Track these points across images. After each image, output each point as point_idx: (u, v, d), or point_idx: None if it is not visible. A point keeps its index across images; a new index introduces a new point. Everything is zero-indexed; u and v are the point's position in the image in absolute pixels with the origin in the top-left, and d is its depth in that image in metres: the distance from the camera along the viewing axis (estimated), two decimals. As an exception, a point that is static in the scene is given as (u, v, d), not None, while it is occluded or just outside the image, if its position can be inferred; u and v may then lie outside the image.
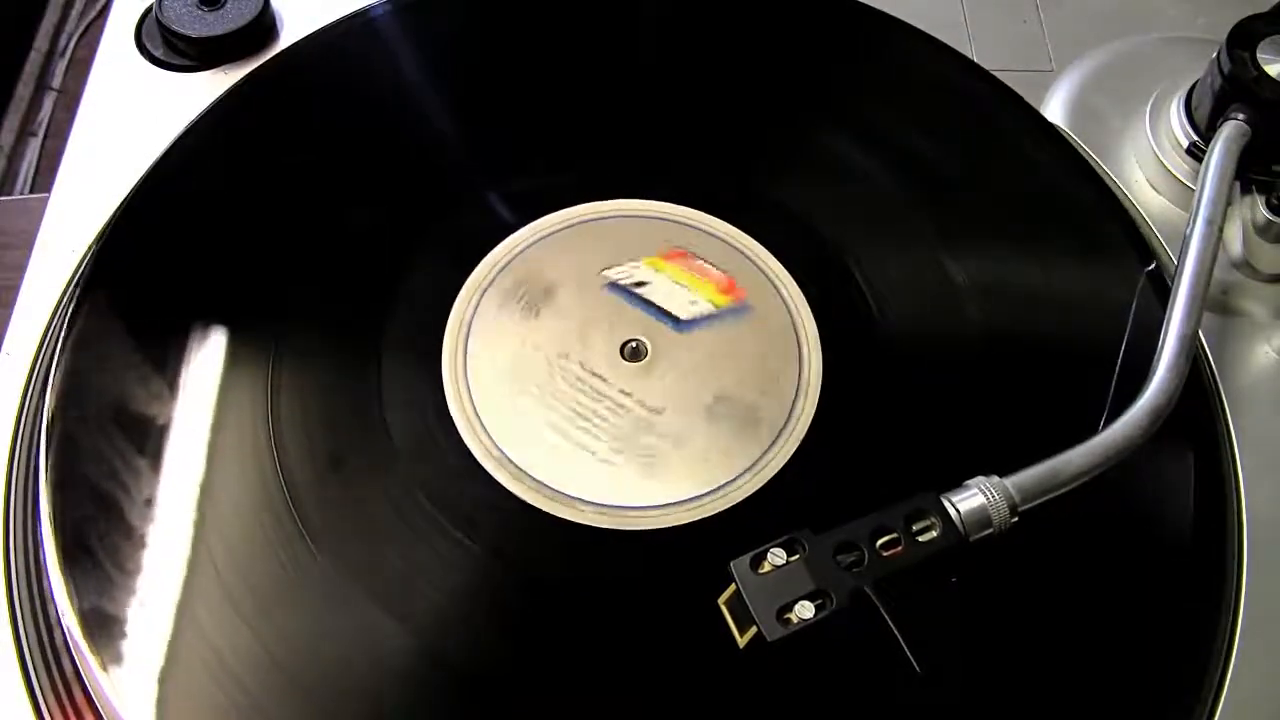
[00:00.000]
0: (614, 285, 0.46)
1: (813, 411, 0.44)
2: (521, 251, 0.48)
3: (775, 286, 0.47)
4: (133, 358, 0.44)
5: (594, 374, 0.45)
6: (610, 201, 0.49)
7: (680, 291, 0.46)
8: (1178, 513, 0.43)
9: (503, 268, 0.47)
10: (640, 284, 0.46)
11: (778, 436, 0.44)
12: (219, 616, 0.39)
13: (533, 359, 0.45)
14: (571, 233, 0.49)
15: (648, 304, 0.46)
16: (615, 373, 0.45)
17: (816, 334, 0.46)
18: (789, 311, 0.47)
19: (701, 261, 0.47)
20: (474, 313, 0.46)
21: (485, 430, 0.43)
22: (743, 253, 0.48)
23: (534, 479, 0.42)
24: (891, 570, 0.35)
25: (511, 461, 0.43)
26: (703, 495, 0.42)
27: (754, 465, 0.43)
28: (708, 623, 0.36)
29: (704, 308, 0.46)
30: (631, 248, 0.48)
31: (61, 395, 0.43)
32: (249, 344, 0.45)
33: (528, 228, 0.48)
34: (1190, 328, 0.42)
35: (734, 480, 0.43)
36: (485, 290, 0.47)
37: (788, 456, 0.43)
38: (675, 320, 0.46)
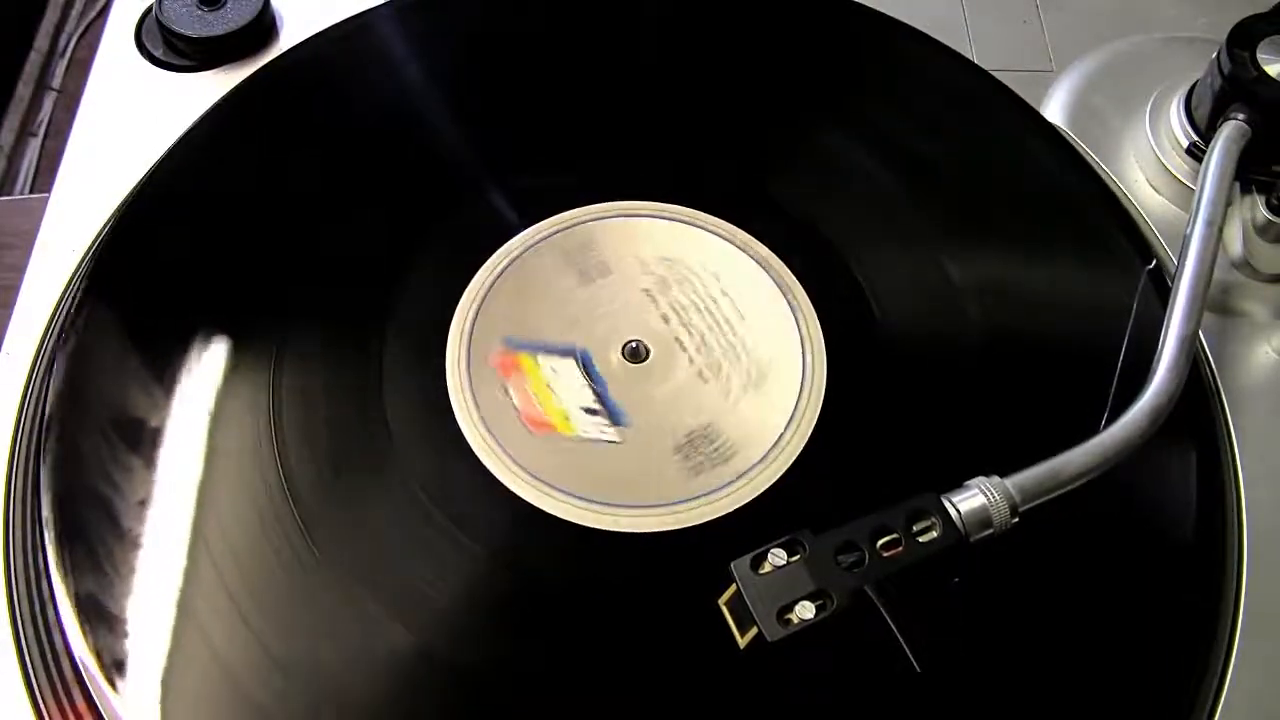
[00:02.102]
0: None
1: (815, 412, 0.44)
2: (525, 250, 0.48)
3: (777, 286, 0.47)
4: (133, 358, 0.44)
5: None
6: (614, 202, 0.50)
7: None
8: (1178, 512, 0.43)
9: (505, 267, 0.47)
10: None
11: (779, 437, 0.44)
12: (219, 617, 0.39)
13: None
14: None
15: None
16: (611, 368, 0.45)
17: (820, 334, 0.46)
18: (791, 311, 0.47)
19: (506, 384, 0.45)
20: (477, 315, 0.46)
21: (487, 430, 0.43)
22: (744, 251, 0.48)
23: (536, 479, 0.42)
24: (892, 570, 0.35)
25: (514, 461, 0.43)
26: (704, 495, 0.42)
27: (755, 465, 0.43)
28: (709, 623, 0.36)
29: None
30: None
31: (62, 395, 0.43)
32: (250, 344, 0.45)
33: (530, 229, 0.48)
34: (1190, 328, 0.42)
35: (735, 480, 0.43)
36: (488, 292, 0.47)
37: (791, 458, 0.43)
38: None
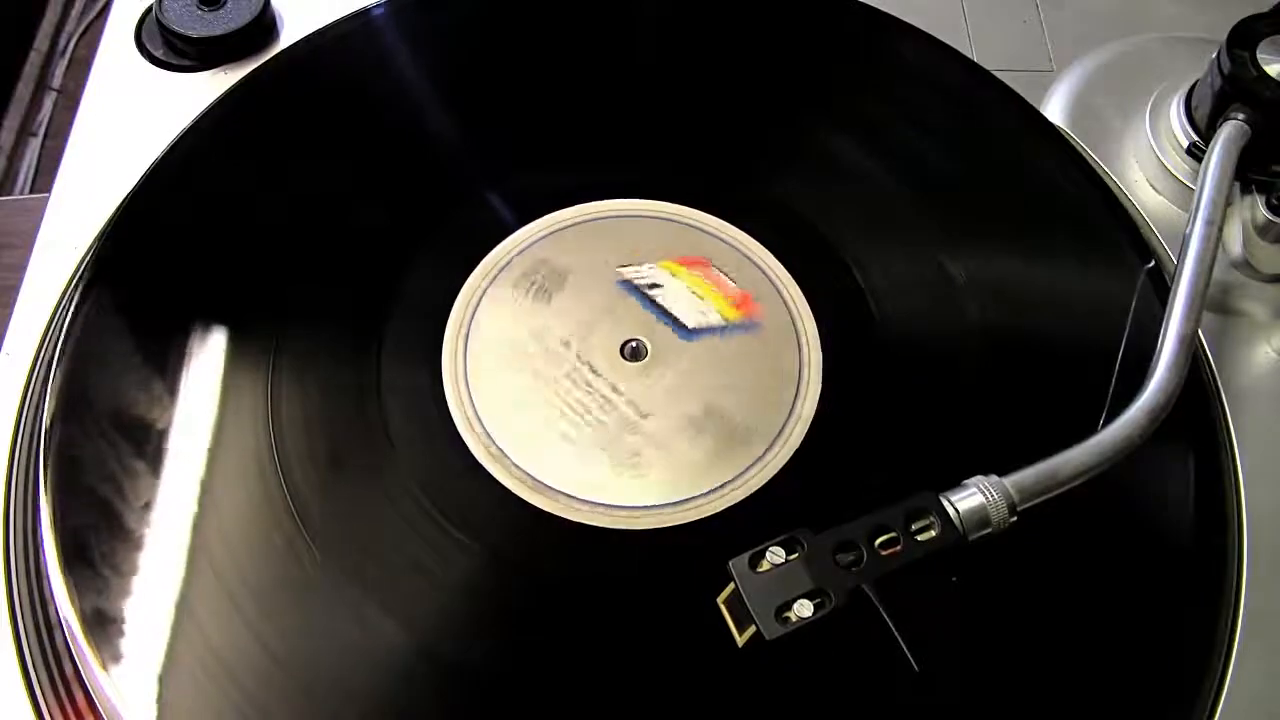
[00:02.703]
0: (627, 283, 0.46)
1: (813, 411, 0.44)
2: (524, 249, 0.48)
3: (775, 286, 0.47)
4: (133, 357, 0.44)
5: (591, 369, 0.45)
6: (611, 201, 0.50)
7: (693, 300, 0.46)
8: (1178, 513, 0.43)
9: (505, 265, 0.47)
10: (654, 286, 0.46)
11: (778, 437, 0.44)
12: (219, 617, 0.39)
13: (534, 343, 0.45)
14: (572, 232, 0.49)
15: (658, 307, 0.46)
16: (613, 371, 0.45)
17: (816, 333, 0.46)
18: (789, 311, 0.47)
19: (719, 273, 0.47)
20: (474, 312, 0.46)
21: (485, 429, 0.43)
22: (742, 252, 0.48)
23: (534, 478, 0.42)
24: (890, 569, 0.35)
25: (511, 461, 0.43)
26: (703, 494, 0.42)
27: (754, 464, 0.43)
28: (707, 621, 0.36)
29: (714, 319, 0.46)
30: (635, 247, 0.48)
31: (61, 395, 0.43)
32: (249, 343, 0.45)
33: (527, 227, 0.48)
34: (1190, 327, 0.42)
35: (734, 479, 0.43)
36: (485, 290, 0.47)
37: (788, 456, 0.43)
38: (682, 328, 0.46)
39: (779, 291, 0.47)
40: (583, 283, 0.47)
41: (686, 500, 0.42)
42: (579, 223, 0.49)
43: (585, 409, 0.44)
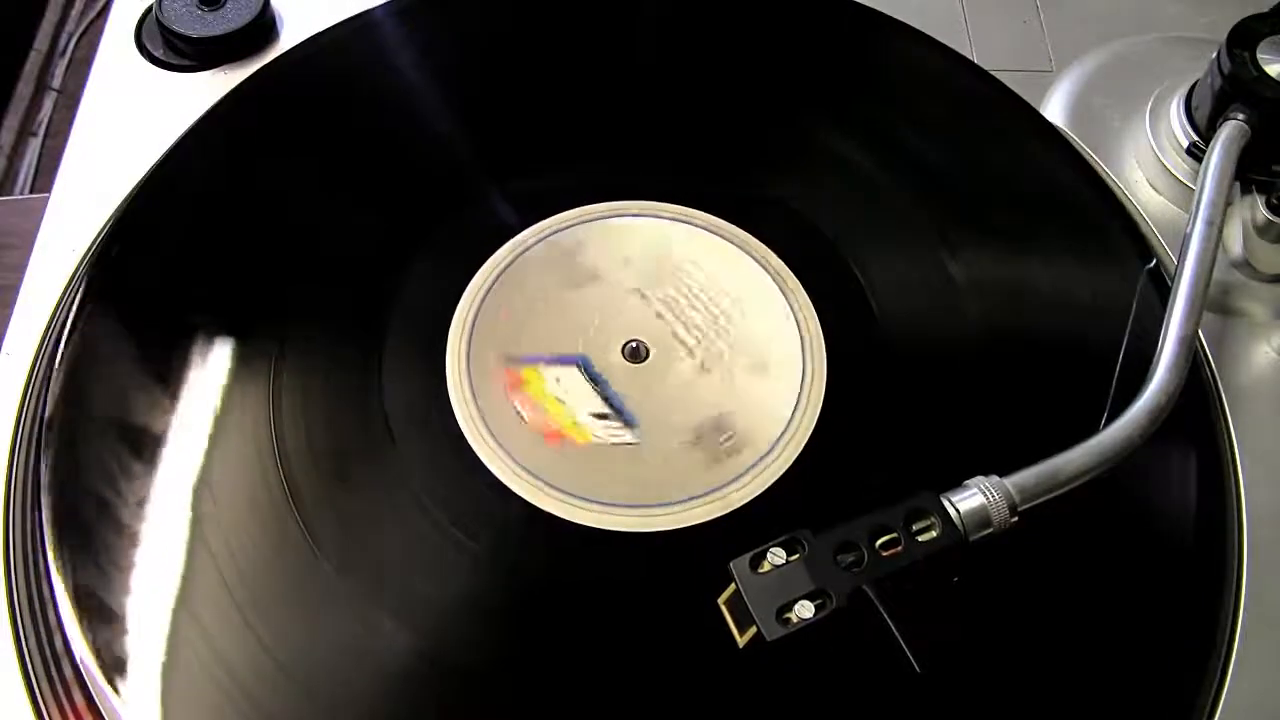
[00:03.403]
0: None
1: (816, 411, 0.44)
2: (525, 249, 0.48)
3: (778, 285, 0.47)
4: (133, 358, 0.44)
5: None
6: (613, 202, 0.50)
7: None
8: (1178, 513, 0.43)
9: (504, 269, 0.47)
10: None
11: (780, 437, 0.44)
12: (220, 617, 0.39)
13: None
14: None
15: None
16: (614, 369, 0.45)
17: (820, 333, 0.46)
18: (791, 310, 0.47)
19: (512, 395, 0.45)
20: (477, 315, 0.46)
21: (488, 430, 0.43)
22: (745, 251, 0.48)
23: (537, 479, 0.42)
24: (891, 570, 0.35)
25: (515, 461, 0.43)
26: (705, 495, 0.42)
27: (755, 465, 0.43)
28: (708, 622, 0.36)
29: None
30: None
31: (62, 395, 0.43)
32: (250, 344, 0.45)
33: (530, 229, 0.48)
34: (1190, 328, 0.42)
35: (735, 480, 0.43)
36: (487, 292, 0.47)
37: (791, 458, 0.43)
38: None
39: (782, 291, 0.47)
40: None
41: (688, 501, 0.42)
42: (579, 223, 0.49)
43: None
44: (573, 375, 0.45)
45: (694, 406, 0.44)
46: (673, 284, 0.47)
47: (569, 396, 0.44)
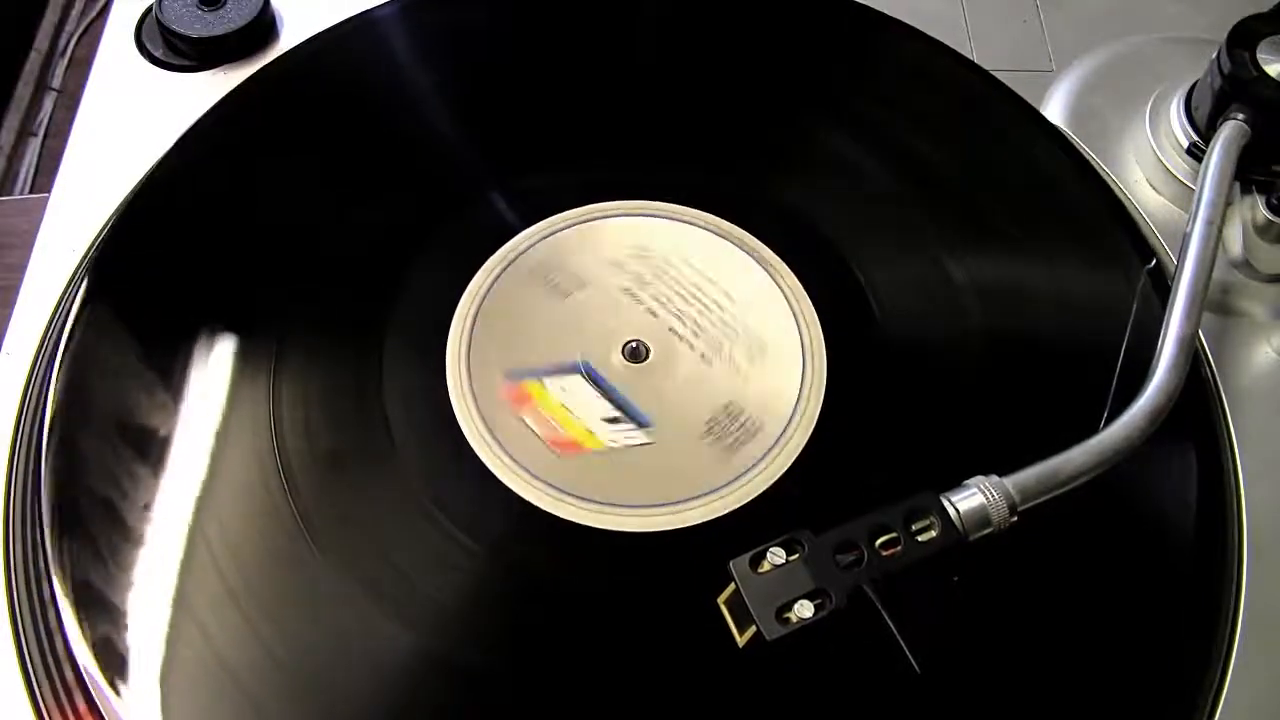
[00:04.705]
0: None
1: (815, 411, 0.44)
2: (526, 249, 0.48)
3: (778, 285, 0.47)
4: (133, 358, 0.44)
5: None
6: (612, 202, 0.50)
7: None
8: (1178, 512, 0.43)
9: (504, 269, 0.47)
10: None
11: (780, 436, 0.44)
12: (221, 617, 0.39)
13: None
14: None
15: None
16: (617, 372, 0.45)
17: (820, 333, 0.46)
18: (792, 310, 0.47)
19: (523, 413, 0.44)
20: (477, 315, 0.46)
21: (488, 430, 0.43)
22: (746, 251, 0.48)
23: (537, 478, 0.42)
24: (891, 569, 0.35)
25: (514, 461, 0.43)
26: (704, 495, 0.42)
27: (755, 465, 0.43)
28: (708, 622, 0.36)
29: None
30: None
31: (62, 395, 0.43)
32: (250, 343, 0.45)
33: (531, 228, 0.48)
34: (1190, 328, 0.42)
35: (735, 480, 0.43)
36: (487, 291, 0.47)
37: (791, 457, 0.43)
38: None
39: (782, 291, 0.47)
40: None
41: (688, 501, 0.42)
42: (580, 223, 0.49)
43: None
44: (577, 383, 0.45)
45: (703, 398, 0.44)
46: (663, 281, 0.47)
47: (578, 406, 0.44)
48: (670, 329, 0.46)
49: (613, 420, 0.44)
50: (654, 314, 0.47)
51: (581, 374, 0.45)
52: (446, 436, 0.43)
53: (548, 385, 0.44)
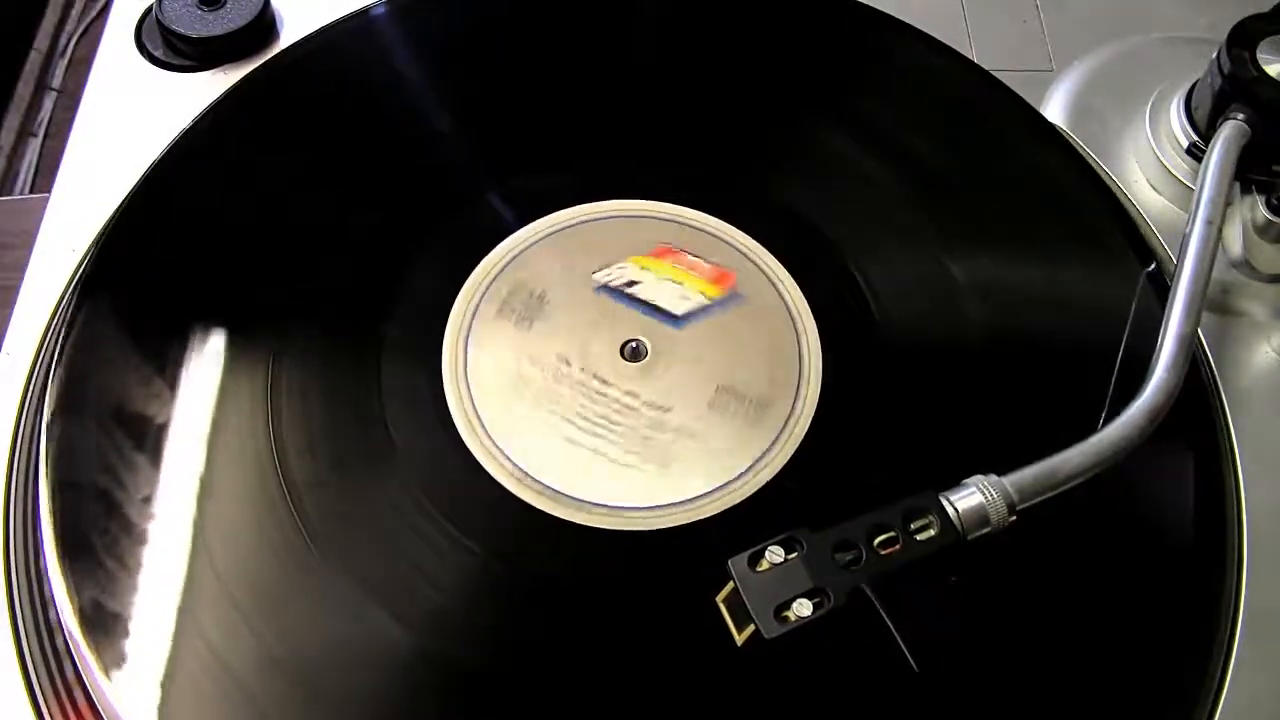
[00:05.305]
0: (605, 288, 0.46)
1: (812, 411, 0.44)
2: (518, 254, 0.48)
3: (775, 286, 0.47)
4: (133, 358, 0.44)
5: (596, 378, 0.45)
6: (611, 201, 0.50)
7: (671, 287, 0.46)
8: (1178, 513, 0.43)
9: (498, 273, 0.47)
10: (631, 284, 0.46)
11: (778, 436, 0.44)
12: (220, 617, 0.39)
13: (530, 370, 0.45)
14: (571, 233, 0.49)
15: (641, 303, 0.46)
16: (618, 374, 0.45)
17: (816, 334, 0.46)
18: (789, 311, 0.47)
19: (689, 255, 0.47)
20: (473, 314, 0.46)
21: (485, 430, 0.43)
22: (742, 252, 0.48)
23: (534, 479, 0.42)
24: (890, 568, 0.35)
25: (511, 461, 0.43)
26: (703, 495, 0.42)
27: (754, 464, 0.43)
28: (707, 621, 0.36)
29: (697, 300, 0.46)
30: (630, 248, 0.48)
31: (61, 395, 0.43)
32: (249, 344, 0.45)
33: (527, 228, 0.48)
34: (1189, 327, 0.42)
35: (734, 479, 0.43)
36: (484, 292, 0.47)
37: (788, 456, 0.43)
38: (671, 316, 0.46)
39: (779, 291, 0.47)
40: (563, 296, 0.47)
41: (687, 500, 0.42)
42: (580, 223, 0.49)
43: (601, 417, 0.44)
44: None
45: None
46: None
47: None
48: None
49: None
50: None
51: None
52: (445, 436, 0.43)
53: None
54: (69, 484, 0.41)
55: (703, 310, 0.46)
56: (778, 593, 0.34)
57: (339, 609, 0.39)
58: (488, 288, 0.47)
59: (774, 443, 0.43)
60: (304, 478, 0.42)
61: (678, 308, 0.46)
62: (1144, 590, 0.41)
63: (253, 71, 0.53)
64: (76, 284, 0.46)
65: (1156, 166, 0.52)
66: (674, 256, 0.46)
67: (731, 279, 0.46)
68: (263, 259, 0.47)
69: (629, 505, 0.42)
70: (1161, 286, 0.47)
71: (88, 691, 0.38)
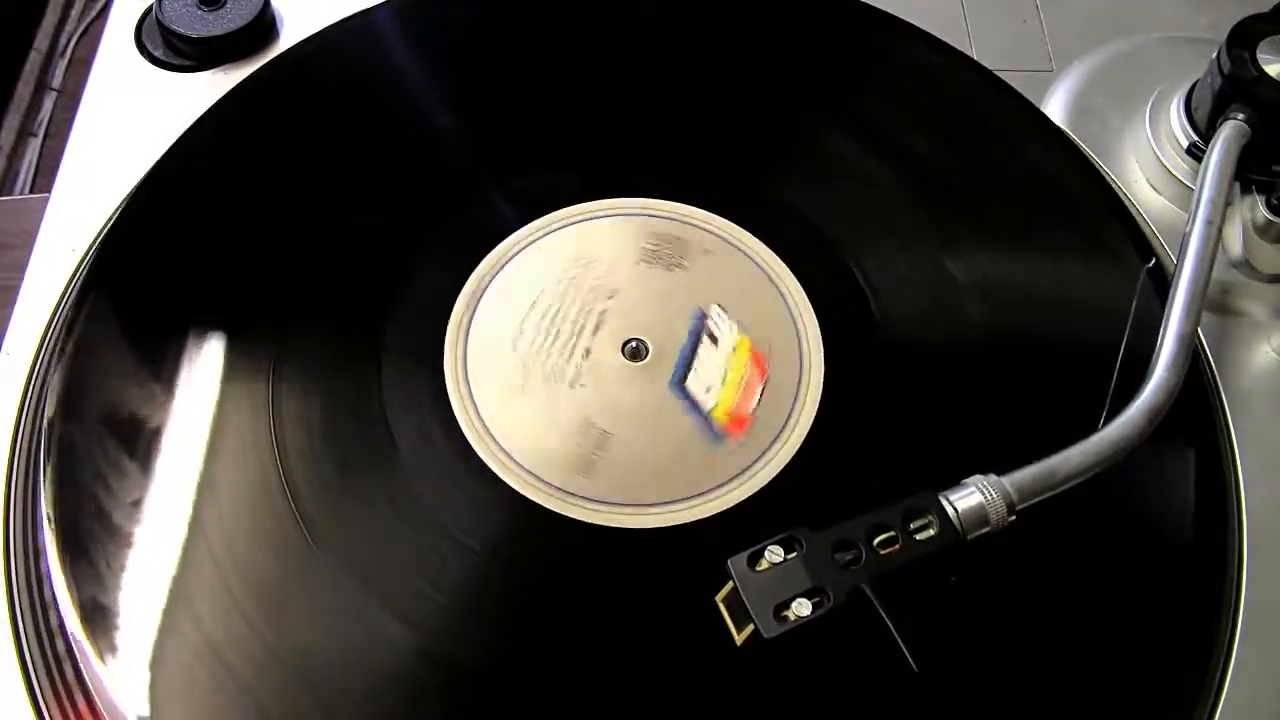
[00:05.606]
0: (701, 316, 0.46)
1: (813, 410, 0.44)
2: (519, 253, 0.48)
3: (776, 285, 0.47)
4: (133, 358, 0.44)
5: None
6: (610, 200, 0.50)
7: (715, 374, 0.45)
8: (1178, 512, 0.43)
9: (499, 272, 0.47)
10: (713, 338, 0.45)
11: (778, 435, 0.44)
12: (220, 616, 0.39)
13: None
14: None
15: (692, 351, 0.46)
16: (619, 373, 0.45)
17: (817, 333, 0.46)
18: (789, 310, 0.47)
19: (759, 383, 0.45)
20: (474, 313, 0.46)
21: (486, 429, 0.43)
22: (743, 251, 0.48)
23: (535, 477, 0.42)
24: (889, 568, 0.35)
25: (513, 460, 0.43)
26: (703, 494, 0.42)
27: (755, 464, 0.43)
28: (706, 620, 0.36)
29: (705, 406, 0.44)
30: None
31: (62, 395, 0.43)
32: (250, 343, 0.45)
33: (527, 227, 0.48)
34: (1189, 327, 0.42)
35: (735, 478, 0.43)
36: (485, 291, 0.47)
37: (789, 455, 0.43)
38: (680, 378, 0.45)
39: (780, 291, 0.47)
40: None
41: (687, 499, 0.42)
42: (579, 222, 0.49)
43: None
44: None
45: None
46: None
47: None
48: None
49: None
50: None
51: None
52: (446, 435, 0.43)
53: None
54: (69, 484, 0.41)
55: (696, 412, 0.44)
56: (777, 592, 0.34)
57: (341, 609, 0.39)
58: (488, 287, 0.47)
59: (774, 442, 0.43)
60: (305, 477, 0.42)
61: (694, 384, 0.45)
62: (1144, 590, 0.41)
63: (254, 72, 0.53)
64: (76, 284, 0.46)
65: (1156, 166, 0.52)
66: (757, 374, 0.45)
67: (745, 425, 0.44)
68: (263, 259, 0.47)
69: (630, 504, 0.42)
70: (1162, 282, 0.47)
71: (88, 692, 0.38)
